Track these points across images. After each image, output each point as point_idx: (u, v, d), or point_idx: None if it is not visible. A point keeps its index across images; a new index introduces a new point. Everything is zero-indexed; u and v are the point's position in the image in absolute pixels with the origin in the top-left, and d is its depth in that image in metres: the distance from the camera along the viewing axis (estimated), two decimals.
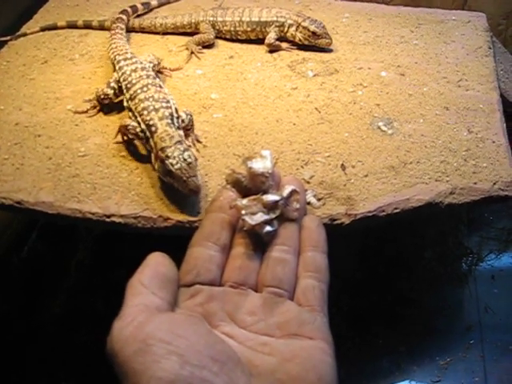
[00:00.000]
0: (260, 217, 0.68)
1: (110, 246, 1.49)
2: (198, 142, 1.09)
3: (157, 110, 1.02)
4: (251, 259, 0.67)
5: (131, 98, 1.08)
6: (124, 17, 1.39)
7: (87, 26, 1.45)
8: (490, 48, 1.38)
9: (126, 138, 1.06)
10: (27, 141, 1.10)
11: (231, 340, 0.58)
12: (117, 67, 1.18)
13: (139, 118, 1.04)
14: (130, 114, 1.08)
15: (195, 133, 1.10)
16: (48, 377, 1.25)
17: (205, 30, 1.38)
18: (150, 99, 1.05)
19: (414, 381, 1.24)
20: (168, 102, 1.06)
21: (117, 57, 1.20)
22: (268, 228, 0.68)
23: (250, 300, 0.64)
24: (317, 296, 0.65)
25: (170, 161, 0.92)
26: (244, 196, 0.71)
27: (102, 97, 1.15)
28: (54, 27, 1.45)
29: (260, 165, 0.72)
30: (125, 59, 1.18)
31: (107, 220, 0.96)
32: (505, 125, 1.15)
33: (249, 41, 1.39)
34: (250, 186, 0.71)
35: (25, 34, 1.43)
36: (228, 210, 0.69)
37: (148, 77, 1.11)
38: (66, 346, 1.29)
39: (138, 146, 1.08)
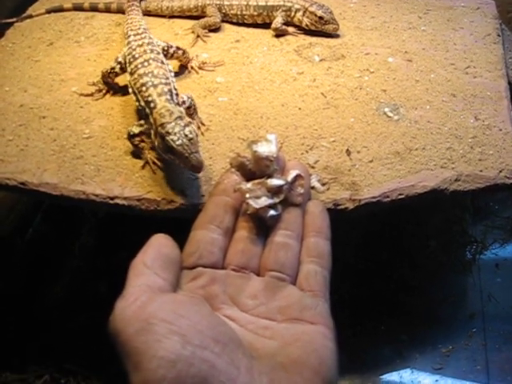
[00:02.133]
0: (264, 201, 0.68)
1: (113, 229, 1.49)
2: (202, 124, 1.08)
3: (155, 86, 0.99)
4: (254, 243, 0.67)
5: (131, 73, 1.06)
6: (136, 2, 1.37)
7: (93, 8, 1.44)
8: (498, 35, 1.36)
9: (136, 143, 1.02)
10: (32, 122, 1.10)
11: (233, 323, 0.59)
12: (126, 41, 1.17)
13: (138, 96, 1.02)
14: (131, 90, 1.06)
15: (199, 116, 1.09)
16: (50, 359, 1.25)
17: (211, 13, 1.37)
18: (149, 75, 1.02)
19: (416, 368, 1.24)
20: (167, 78, 1.03)
21: (129, 31, 1.19)
22: (272, 212, 0.68)
23: (252, 284, 0.64)
24: (319, 281, 0.65)
25: (171, 137, 0.88)
26: (248, 180, 0.70)
27: (109, 71, 1.14)
28: (60, 9, 1.45)
29: (265, 149, 0.71)
30: (135, 34, 1.16)
31: (111, 202, 0.96)
32: None
33: (255, 25, 1.38)
34: (254, 169, 0.71)
35: (31, 16, 1.43)
36: (232, 193, 0.69)
37: (152, 51, 1.09)
38: (68, 328, 1.30)
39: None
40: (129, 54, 1.10)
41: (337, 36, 1.35)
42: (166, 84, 1.01)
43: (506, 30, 1.51)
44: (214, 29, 1.37)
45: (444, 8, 1.47)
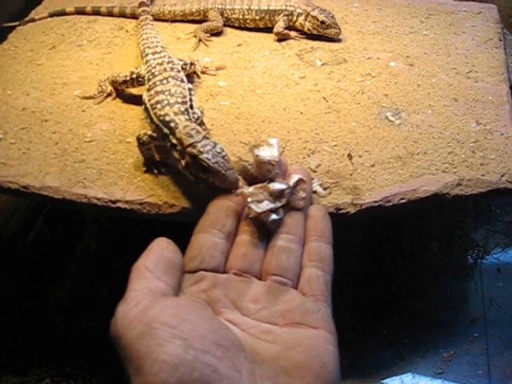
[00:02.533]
0: (266, 205, 0.68)
1: (115, 233, 1.49)
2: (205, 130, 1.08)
3: (171, 105, 0.97)
4: (256, 247, 0.67)
5: (149, 89, 1.04)
6: (147, 8, 1.37)
7: (96, 12, 1.44)
8: (500, 40, 1.37)
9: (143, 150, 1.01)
10: (34, 126, 1.10)
11: (234, 327, 0.58)
12: (144, 60, 1.15)
13: (151, 112, 0.99)
14: (143, 106, 1.03)
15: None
16: (51, 362, 1.25)
17: (213, 17, 1.37)
18: (166, 93, 1.00)
19: (417, 372, 1.24)
20: (185, 97, 1.01)
21: (146, 49, 1.17)
22: (274, 216, 0.68)
23: (253, 288, 0.64)
24: (321, 286, 0.65)
25: (205, 155, 0.84)
26: (250, 184, 0.71)
27: (121, 81, 1.14)
28: (63, 13, 1.45)
29: (267, 153, 0.71)
30: (153, 53, 1.15)
31: (112, 206, 0.96)
32: None
33: (257, 29, 1.39)
34: (256, 173, 0.71)
35: (33, 20, 1.43)
36: (234, 197, 0.69)
37: (172, 69, 1.07)
38: (70, 332, 1.30)
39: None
40: (148, 72, 1.09)
41: (339, 40, 1.35)
42: (182, 103, 0.99)
43: (508, 34, 1.51)
44: (216, 33, 1.37)
45: (446, 12, 1.47)
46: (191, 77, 1.23)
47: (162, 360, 0.49)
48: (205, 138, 0.88)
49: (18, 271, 1.43)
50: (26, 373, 1.25)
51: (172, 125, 0.93)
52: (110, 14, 1.44)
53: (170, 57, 1.13)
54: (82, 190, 0.98)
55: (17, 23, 1.41)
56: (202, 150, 0.85)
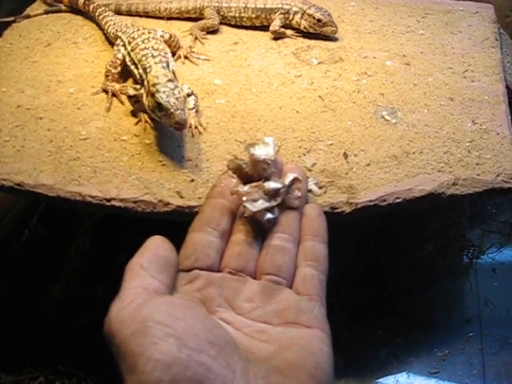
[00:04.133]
0: (261, 204, 0.68)
1: (110, 231, 1.49)
2: (200, 125, 1.09)
3: (154, 57, 1.08)
4: (251, 246, 0.67)
5: (132, 49, 1.14)
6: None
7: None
8: (496, 40, 1.37)
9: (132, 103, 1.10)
10: (29, 123, 1.10)
11: (229, 326, 0.58)
12: (120, 33, 1.22)
13: (139, 65, 1.10)
14: (132, 67, 1.13)
15: (199, 116, 1.11)
16: (46, 361, 1.25)
17: (209, 15, 1.37)
18: (150, 48, 1.11)
19: (412, 372, 1.24)
20: (166, 53, 1.13)
21: (118, 30, 1.24)
22: (269, 215, 0.68)
23: (248, 287, 0.64)
24: (315, 285, 0.65)
25: (160, 94, 0.96)
26: (245, 183, 0.70)
27: (114, 60, 1.18)
28: (58, 10, 1.44)
29: (262, 151, 0.71)
30: (127, 27, 1.24)
31: (107, 204, 0.96)
32: (510, 117, 1.14)
33: (253, 27, 1.38)
34: (251, 172, 0.71)
35: (28, 16, 1.42)
36: (229, 196, 0.69)
37: (150, 32, 1.18)
38: (64, 331, 1.30)
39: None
40: (127, 37, 1.18)
41: (335, 39, 1.35)
42: (163, 56, 1.10)
43: (504, 34, 1.51)
44: (212, 31, 1.37)
45: (442, 12, 1.47)
46: (175, 58, 1.27)
47: (155, 359, 0.49)
48: (170, 81, 1.00)
49: (13, 270, 1.43)
50: (20, 371, 1.24)
51: (148, 70, 1.05)
52: None
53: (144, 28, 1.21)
54: (77, 188, 0.97)
55: (12, 18, 1.40)
56: (159, 89, 0.97)
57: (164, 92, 0.96)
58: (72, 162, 1.02)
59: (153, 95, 0.97)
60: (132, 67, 1.14)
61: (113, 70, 1.18)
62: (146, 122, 1.08)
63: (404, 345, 1.28)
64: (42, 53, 1.30)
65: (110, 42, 1.31)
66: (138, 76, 1.11)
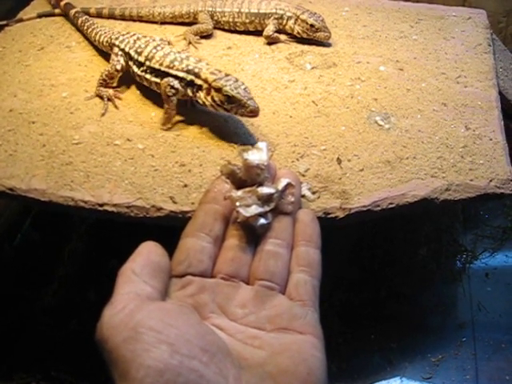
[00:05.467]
0: (254, 209, 0.67)
1: (102, 236, 1.48)
2: None
3: (187, 58, 1.10)
4: (244, 252, 0.66)
5: (148, 59, 1.12)
6: (78, 9, 1.40)
7: (85, 13, 1.43)
8: (489, 45, 1.37)
9: (169, 94, 1.09)
10: (21, 127, 1.10)
11: (221, 332, 0.58)
12: (117, 42, 1.19)
13: (172, 71, 1.08)
14: (148, 76, 1.12)
15: None
16: (37, 366, 1.24)
17: (203, 20, 1.37)
18: (172, 53, 1.11)
19: (405, 377, 1.23)
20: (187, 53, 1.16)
21: (112, 36, 1.22)
22: (262, 221, 0.67)
23: (241, 292, 0.63)
24: (308, 291, 0.64)
25: (228, 87, 1.01)
26: (238, 188, 0.70)
27: (111, 72, 1.17)
28: (52, 14, 1.44)
29: (256, 157, 0.71)
30: (123, 35, 1.21)
31: (100, 209, 0.96)
32: (502, 122, 1.15)
33: (247, 32, 1.38)
34: (245, 177, 0.71)
35: (21, 20, 1.42)
36: (222, 201, 0.68)
37: (153, 39, 1.18)
38: (57, 336, 1.29)
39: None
40: (130, 48, 1.16)
41: (328, 44, 1.35)
42: (191, 56, 1.11)
43: (497, 39, 1.52)
44: (206, 35, 1.37)
45: (435, 17, 1.47)
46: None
47: (147, 365, 0.49)
48: (226, 75, 1.04)
49: (5, 274, 1.42)
50: (11, 377, 1.23)
51: (196, 70, 1.07)
52: (98, 15, 1.43)
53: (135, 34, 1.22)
54: (69, 193, 0.97)
55: (4, 22, 1.40)
56: (225, 83, 1.01)
57: (230, 85, 1.01)
58: (64, 166, 1.01)
59: (218, 90, 1.02)
60: (148, 76, 1.12)
61: (108, 80, 1.17)
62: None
63: (397, 350, 1.28)
64: (35, 57, 1.30)
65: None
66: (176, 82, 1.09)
